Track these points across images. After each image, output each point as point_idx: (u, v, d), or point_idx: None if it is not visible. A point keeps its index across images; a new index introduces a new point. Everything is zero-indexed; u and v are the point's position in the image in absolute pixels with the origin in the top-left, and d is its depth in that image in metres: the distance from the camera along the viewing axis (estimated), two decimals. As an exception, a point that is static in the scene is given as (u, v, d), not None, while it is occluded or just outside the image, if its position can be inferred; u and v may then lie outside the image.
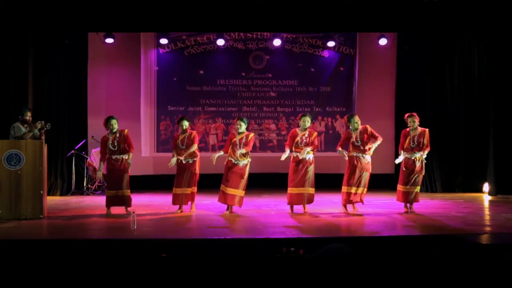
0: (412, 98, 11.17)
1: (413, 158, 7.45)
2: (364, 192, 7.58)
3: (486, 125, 10.42)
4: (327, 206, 8.21)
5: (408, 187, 7.49)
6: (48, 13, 8.29)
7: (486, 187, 10.43)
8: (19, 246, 5.42)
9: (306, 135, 7.51)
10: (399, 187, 7.60)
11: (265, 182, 10.76)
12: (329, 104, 11.72)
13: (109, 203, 7.49)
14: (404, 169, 7.51)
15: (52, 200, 8.90)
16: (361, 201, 7.59)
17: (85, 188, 10.42)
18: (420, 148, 7.46)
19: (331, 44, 11.43)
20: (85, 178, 10.55)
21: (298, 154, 7.43)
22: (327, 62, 11.72)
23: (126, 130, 7.56)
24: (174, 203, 7.62)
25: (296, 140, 7.49)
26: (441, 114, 10.89)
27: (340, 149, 7.54)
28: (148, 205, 8.69)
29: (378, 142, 7.53)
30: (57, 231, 6.40)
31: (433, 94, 11.00)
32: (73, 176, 10.42)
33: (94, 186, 10.44)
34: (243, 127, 7.50)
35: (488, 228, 6.55)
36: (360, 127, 7.56)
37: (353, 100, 11.66)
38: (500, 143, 10.12)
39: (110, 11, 8.21)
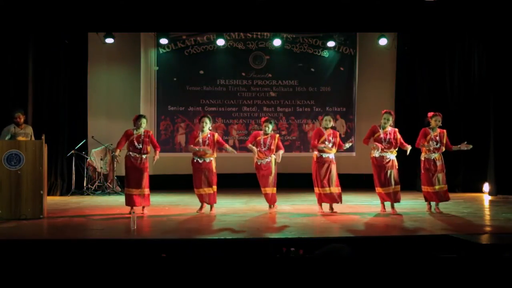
0: (412, 98, 11.18)
1: (432, 158, 7.48)
2: (397, 189, 7.48)
3: (486, 125, 10.42)
4: (327, 206, 8.19)
5: (431, 187, 7.53)
6: (48, 13, 8.29)
7: (486, 187, 10.43)
8: (19, 246, 5.42)
9: (332, 135, 7.57)
10: (426, 188, 7.63)
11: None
12: (329, 104, 11.71)
13: (129, 202, 7.46)
14: (425, 170, 7.57)
15: (52, 200, 8.90)
16: (397, 200, 7.49)
17: (85, 188, 10.42)
18: (440, 149, 7.54)
19: (331, 44, 11.43)
20: (85, 178, 10.55)
21: (323, 154, 7.50)
22: (327, 62, 11.72)
23: (151, 132, 7.73)
24: (200, 201, 7.61)
25: (323, 139, 7.51)
26: (441, 114, 10.87)
27: (375, 143, 7.51)
28: (148, 205, 8.68)
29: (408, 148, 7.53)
30: (57, 231, 6.40)
31: (433, 94, 11.00)
32: (73, 176, 10.42)
33: (94, 186, 10.44)
34: (270, 128, 7.66)
35: (488, 228, 6.55)
36: (389, 128, 7.51)
37: (353, 100, 11.66)
38: (500, 143, 10.13)
39: (110, 11, 8.21)
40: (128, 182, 7.50)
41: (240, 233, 6.12)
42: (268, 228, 6.38)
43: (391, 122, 7.57)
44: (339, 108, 11.71)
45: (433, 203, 7.70)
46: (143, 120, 7.52)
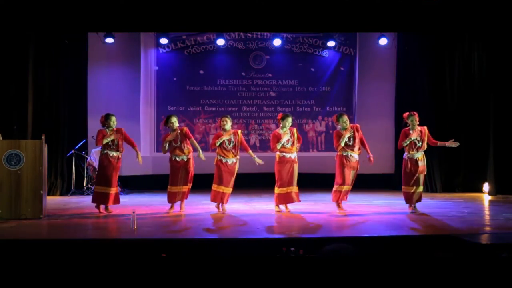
0: (412, 98, 11.17)
1: (415, 158, 7.46)
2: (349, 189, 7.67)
3: (486, 125, 10.43)
4: (327, 206, 8.20)
5: (411, 187, 7.49)
6: (48, 13, 8.29)
7: (486, 187, 10.43)
8: (19, 246, 5.42)
9: (290, 134, 7.61)
10: (404, 188, 7.60)
11: (265, 182, 10.73)
12: (329, 104, 11.72)
13: (103, 200, 7.56)
14: (407, 170, 7.53)
15: (52, 200, 8.90)
16: (346, 199, 7.73)
17: (85, 188, 10.42)
18: (422, 147, 7.47)
19: (331, 44, 11.43)
20: (85, 178, 10.55)
21: (285, 154, 7.54)
22: (327, 62, 11.72)
23: (123, 129, 7.70)
24: (170, 201, 7.67)
25: (282, 141, 7.54)
26: (441, 114, 10.89)
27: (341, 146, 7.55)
28: (148, 205, 8.70)
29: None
30: (57, 231, 6.40)
31: (433, 94, 11.00)
32: (73, 176, 10.42)
33: (94, 186, 10.43)
34: (228, 125, 7.56)
35: (488, 228, 6.55)
36: (349, 126, 7.56)
37: (353, 100, 11.66)
38: (500, 143, 10.13)
39: (110, 11, 8.21)
40: (103, 180, 7.52)
41: (240, 233, 6.12)
42: (268, 228, 6.37)
43: (347, 122, 7.57)
44: (339, 108, 11.71)
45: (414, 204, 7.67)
46: (113, 118, 7.57)
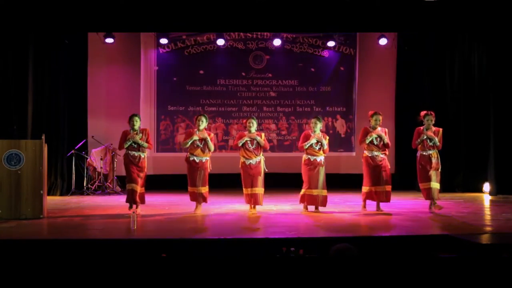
0: (412, 98, 11.18)
1: (428, 154, 7.48)
2: (389, 189, 7.61)
3: (486, 125, 10.42)
4: (327, 206, 8.19)
5: (427, 183, 7.51)
6: (48, 13, 8.29)
7: (486, 187, 10.43)
8: (19, 246, 5.42)
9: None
10: (420, 186, 7.65)
11: (265, 182, 10.72)
12: (329, 104, 11.71)
13: (131, 199, 7.50)
14: (420, 166, 7.58)
15: (52, 200, 8.89)
16: (388, 199, 7.63)
17: (85, 188, 10.41)
18: (434, 146, 7.53)
19: (331, 44, 11.43)
20: (85, 178, 10.55)
21: (311, 156, 7.54)
22: (327, 62, 11.72)
23: (147, 129, 7.74)
24: (192, 200, 7.63)
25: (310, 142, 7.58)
26: (441, 114, 10.87)
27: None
28: (148, 205, 8.67)
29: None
30: (57, 231, 6.40)
31: (433, 94, 11.00)
32: (73, 176, 10.42)
33: (94, 186, 10.44)
34: (254, 127, 7.56)
35: (488, 228, 6.55)
36: (379, 128, 7.63)
37: (353, 100, 11.66)
38: (500, 143, 10.13)
39: (110, 11, 8.21)
40: (129, 178, 7.48)
41: (240, 233, 6.12)
42: (268, 228, 6.37)
43: (380, 122, 7.64)
44: (339, 108, 11.71)
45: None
46: (135, 119, 7.55)
